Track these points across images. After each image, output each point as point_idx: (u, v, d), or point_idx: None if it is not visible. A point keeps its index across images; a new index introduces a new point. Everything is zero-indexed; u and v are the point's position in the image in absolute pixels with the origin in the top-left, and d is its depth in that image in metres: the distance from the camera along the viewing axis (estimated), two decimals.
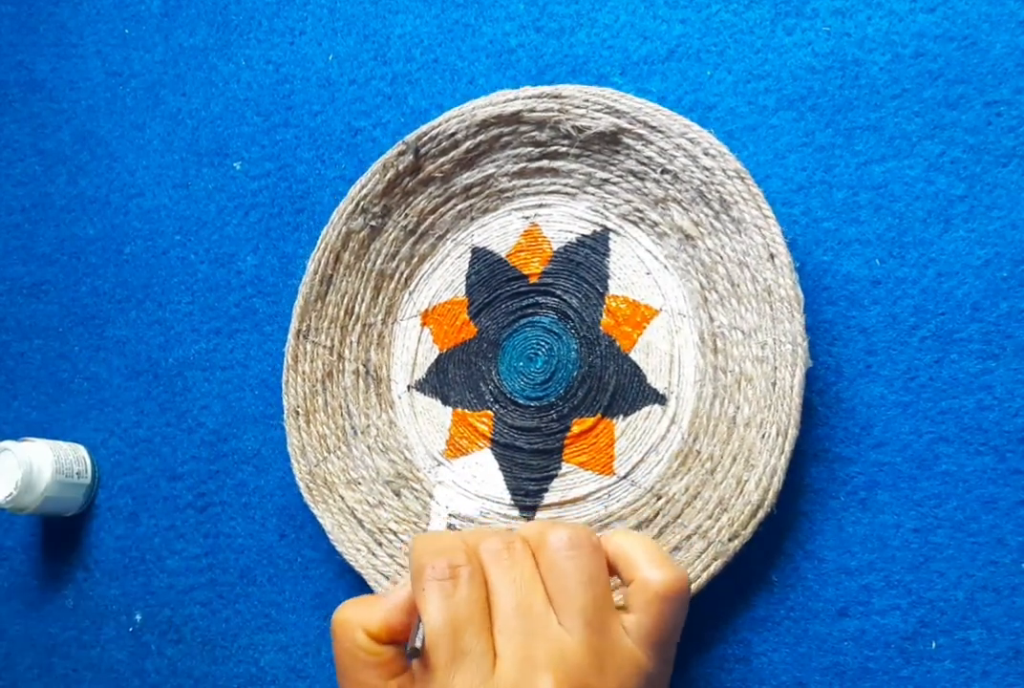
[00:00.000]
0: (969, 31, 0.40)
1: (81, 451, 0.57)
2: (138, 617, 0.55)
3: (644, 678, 0.30)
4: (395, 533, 0.45)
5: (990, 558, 0.36)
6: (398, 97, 0.52)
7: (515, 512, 0.44)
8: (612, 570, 0.33)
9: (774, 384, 0.38)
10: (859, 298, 0.40)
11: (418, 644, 0.30)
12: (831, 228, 0.41)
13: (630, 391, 0.43)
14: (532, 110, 0.44)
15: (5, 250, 0.65)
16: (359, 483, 0.47)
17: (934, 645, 0.37)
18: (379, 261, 0.48)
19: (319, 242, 0.48)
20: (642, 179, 0.43)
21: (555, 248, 0.45)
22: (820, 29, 0.42)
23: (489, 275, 0.47)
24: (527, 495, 0.44)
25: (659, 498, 0.41)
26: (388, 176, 0.47)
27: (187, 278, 0.57)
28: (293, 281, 0.53)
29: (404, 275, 0.49)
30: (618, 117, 0.42)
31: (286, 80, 0.56)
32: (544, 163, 0.45)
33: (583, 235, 0.45)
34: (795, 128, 0.42)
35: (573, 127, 0.43)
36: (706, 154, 0.40)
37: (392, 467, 0.47)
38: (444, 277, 0.48)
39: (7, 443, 0.54)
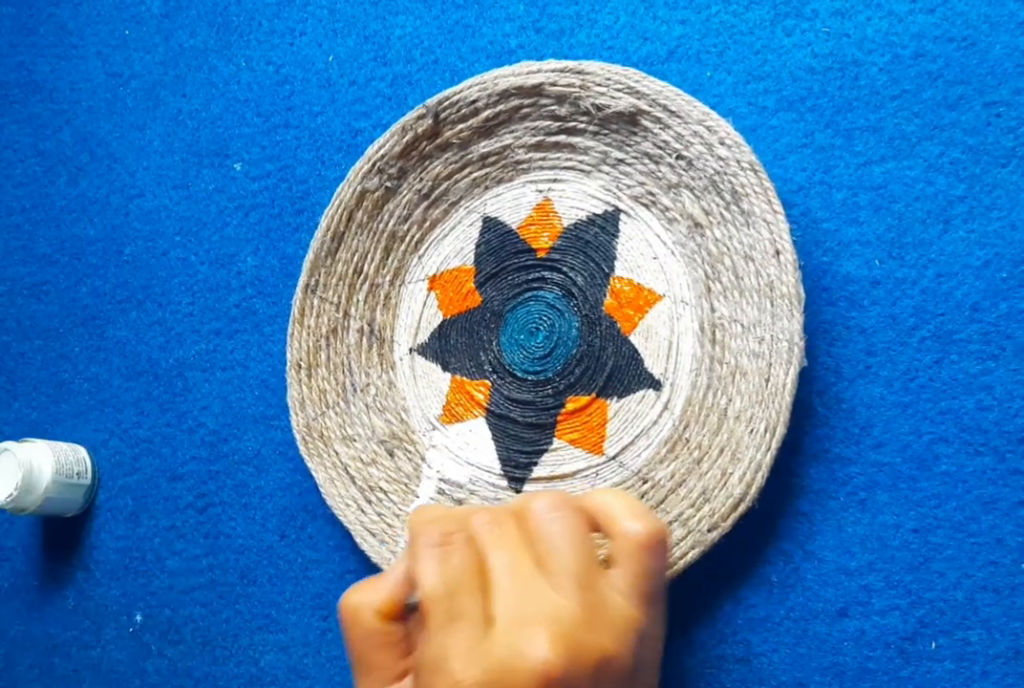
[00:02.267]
0: (969, 32, 0.40)
1: (81, 452, 0.57)
2: (138, 617, 0.55)
3: (636, 631, 0.31)
4: (385, 492, 0.46)
5: (990, 558, 0.36)
6: (398, 98, 0.52)
7: (504, 482, 0.44)
8: (594, 527, 0.34)
9: (767, 380, 0.38)
10: (858, 299, 0.40)
11: (415, 601, 0.31)
12: (831, 229, 0.41)
13: (626, 374, 0.43)
14: (554, 84, 0.44)
15: (5, 251, 0.65)
16: (354, 440, 0.48)
17: (934, 645, 0.37)
18: (391, 222, 0.49)
19: (333, 199, 0.49)
20: (657, 163, 0.43)
21: (565, 224, 0.46)
22: (820, 30, 0.42)
23: (498, 246, 0.47)
24: (517, 467, 0.44)
25: (645, 482, 0.41)
26: (406, 139, 0.47)
27: (187, 279, 0.57)
28: (293, 282, 0.53)
29: (415, 238, 0.49)
30: (638, 98, 0.42)
31: (286, 81, 0.56)
32: (562, 138, 0.45)
33: (594, 214, 0.45)
34: (795, 129, 0.42)
35: (593, 104, 0.43)
36: (722, 143, 0.40)
37: (388, 427, 0.47)
38: (454, 244, 0.48)
39: (7, 444, 0.54)
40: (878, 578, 0.38)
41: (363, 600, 0.33)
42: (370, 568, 0.48)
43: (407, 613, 0.32)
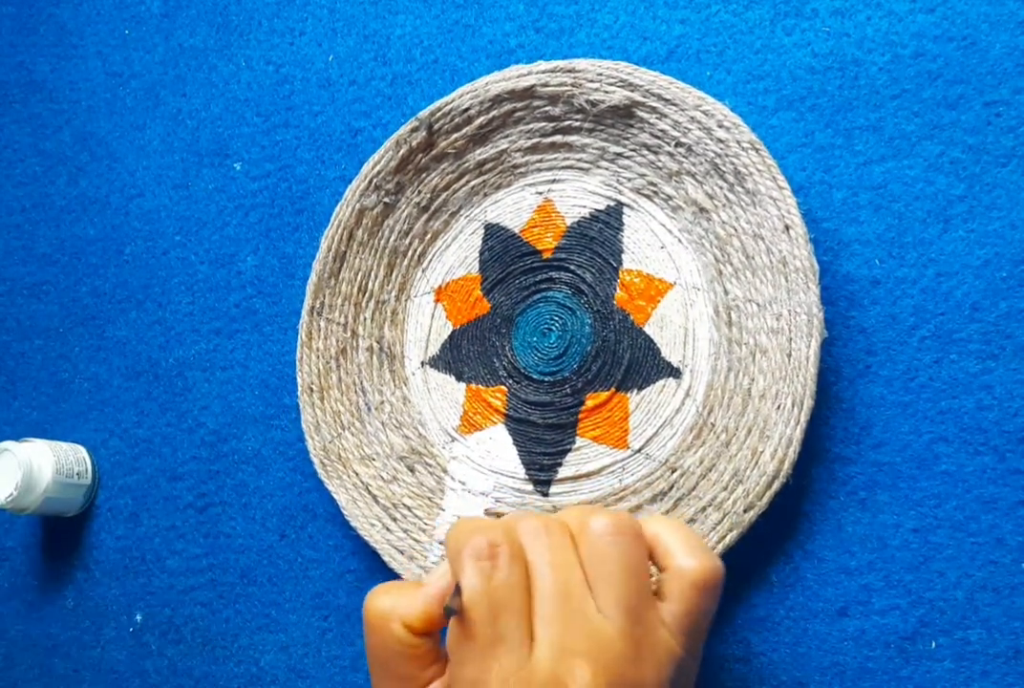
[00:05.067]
0: (968, 31, 0.40)
1: (81, 451, 0.57)
2: (138, 617, 0.55)
3: (677, 667, 0.30)
4: (409, 508, 0.46)
5: (990, 558, 0.36)
6: (398, 98, 0.52)
7: (529, 487, 0.44)
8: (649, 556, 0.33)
9: (789, 355, 0.38)
10: (858, 298, 0.40)
11: (453, 606, 0.29)
12: (830, 228, 0.41)
13: (644, 365, 0.43)
14: (546, 84, 0.44)
15: (5, 250, 0.65)
16: (373, 459, 0.47)
17: (934, 645, 0.37)
18: (392, 238, 0.49)
19: (332, 219, 0.49)
20: (656, 153, 0.43)
21: (569, 223, 0.46)
22: (819, 29, 0.42)
23: (502, 251, 0.47)
24: (541, 469, 0.44)
25: (674, 471, 0.41)
26: (401, 153, 0.47)
27: (187, 278, 0.57)
28: (293, 282, 0.53)
29: (417, 252, 0.49)
30: (631, 90, 0.42)
31: (286, 81, 0.56)
32: (557, 138, 0.45)
33: (597, 210, 0.45)
34: (794, 128, 0.42)
35: (587, 101, 0.43)
36: (720, 126, 0.40)
37: (406, 443, 0.47)
38: (457, 253, 0.48)
39: (7, 443, 0.54)
40: (878, 577, 0.38)
41: (395, 609, 0.32)
42: (370, 568, 0.48)
43: (447, 616, 0.30)
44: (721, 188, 0.41)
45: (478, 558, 0.30)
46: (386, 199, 0.48)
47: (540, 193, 0.46)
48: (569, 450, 0.44)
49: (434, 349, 0.48)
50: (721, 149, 0.40)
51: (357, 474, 0.47)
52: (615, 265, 0.44)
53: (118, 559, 0.56)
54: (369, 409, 0.48)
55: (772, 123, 0.43)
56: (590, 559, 0.31)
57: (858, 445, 0.39)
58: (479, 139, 0.47)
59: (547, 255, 0.46)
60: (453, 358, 0.47)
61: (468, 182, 0.48)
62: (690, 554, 0.31)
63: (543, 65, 0.44)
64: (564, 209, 0.46)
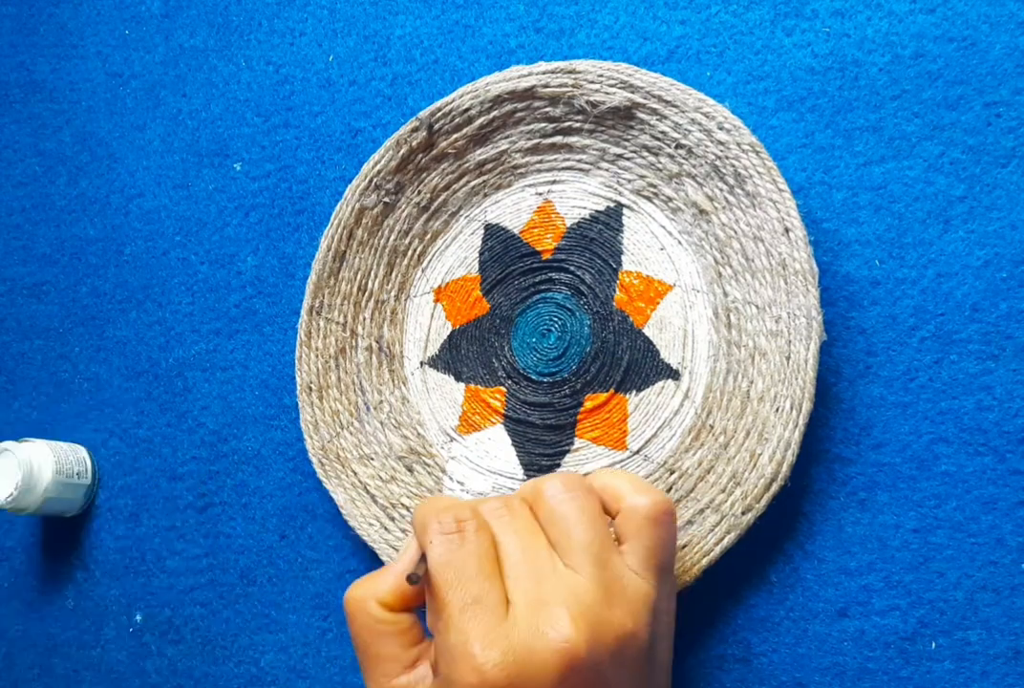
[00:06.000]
0: (968, 32, 0.40)
1: (81, 451, 0.57)
2: (138, 617, 0.55)
3: (651, 605, 0.31)
4: (407, 508, 0.46)
5: (990, 558, 0.36)
6: (398, 98, 0.52)
7: None
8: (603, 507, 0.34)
9: (788, 358, 0.38)
10: (858, 299, 0.40)
11: (419, 571, 0.31)
12: (830, 229, 0.41)
13: (643, 366, 0.43)
14: (546, 85, 0.44)
15: (5, 250, 0.65)
16: (372, 458, 0.47)
17: (934, 645, 0.37)
18: (392, 238, 0.49)
19: (332, 218, 0.49)
20: (656, 154, 0.43)
21: (568, 224, 0.46)
22: (820, 30, 0.42)
23: (502, 251, 0.47)
24: (540, 470, 0.44)
25: (672, 473, 0.41)
26: (401, 152, 0.47)
27: (187, 279, 0.57)
28: (293, 282, 0.53)
29: (417, 252, 0.49)
30: (632, 92, 0.42)
31: (286, 81, 0.56)
32: (558, 139, 0.45)
33: (597, 211, 0.45)
34: (794, 129, 0.42)
35: (587, 102, 0.43)
36: (721, 128, 0.40)
37: (405, 443, 0.47)
38: (457, 254, 0.48)
39: (7, 443, 0.54)
40: (878, 578, 0.38)
41: (367, 591, 0.33)
42: (370, 568, 0.48)
43: (411, 583, 0.31)
44: (721, 190, 0.41)
45: (446, 532, 0.31)
46: (386, 199, 0.48)
47: (540, 194, 0.46)
48: (568, 451, 0.44)
49: (433, 349, 0.48)
50: (721, 151, 0.40)
51: (356, 474, 0.47)
52: (614, 266, 0.44)
53: (118, 559, 0.56)
54: (368, 409, 0.48)
55: (772, 124, 0.43)
56: (549, 521, 0.32)
57: (858, 446, 0.39)
58: (479, 139, 0.47)
59: (547, 256, 0.46)
60: (452, 358, 0.47)
61: (468, 182, 0.48)
62: (638, 492, 0.33)
63: (543, 66, 0.44)
64: (564, 210, 0.46)
